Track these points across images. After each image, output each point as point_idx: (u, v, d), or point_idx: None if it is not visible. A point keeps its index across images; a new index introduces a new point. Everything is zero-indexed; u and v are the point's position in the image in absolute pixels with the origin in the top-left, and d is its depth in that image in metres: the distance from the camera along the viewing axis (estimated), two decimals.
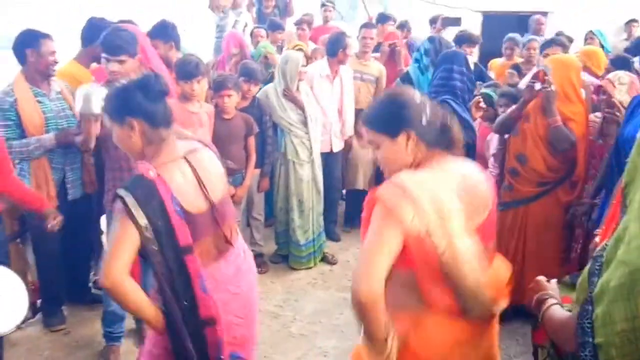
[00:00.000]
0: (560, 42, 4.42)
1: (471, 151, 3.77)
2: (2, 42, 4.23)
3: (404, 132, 1.66)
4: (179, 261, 1.88)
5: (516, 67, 5.08)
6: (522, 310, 3.40)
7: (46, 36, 3.28)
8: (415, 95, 1.73)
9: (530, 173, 3.37)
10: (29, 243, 3.39)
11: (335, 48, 4.61)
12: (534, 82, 3.34)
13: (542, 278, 1.80)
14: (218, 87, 3.87)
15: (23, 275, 2.94)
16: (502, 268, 1.74)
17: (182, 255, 1.88)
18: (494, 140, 3.83)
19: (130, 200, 1.82)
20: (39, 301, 3.47)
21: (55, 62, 3.30)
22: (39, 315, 3.52)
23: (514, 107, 3.46)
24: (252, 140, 4.05)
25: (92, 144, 3.05)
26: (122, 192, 1.85)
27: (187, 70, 3.54)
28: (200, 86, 3.56)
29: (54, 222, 3.00)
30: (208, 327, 1.95)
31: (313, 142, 4.35)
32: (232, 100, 3.86)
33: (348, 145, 4.92)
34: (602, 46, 5.41)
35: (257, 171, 4.22)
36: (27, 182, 3.19)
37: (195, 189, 1.98)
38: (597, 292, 1.37)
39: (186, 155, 2.01)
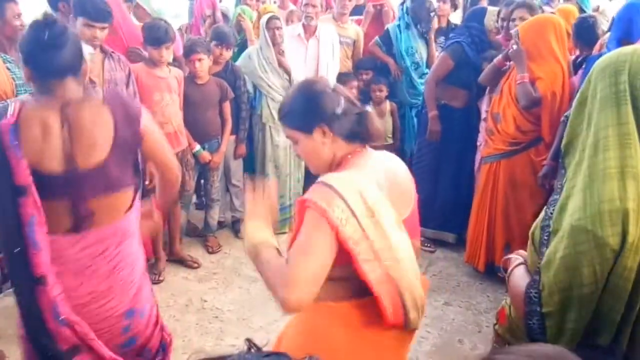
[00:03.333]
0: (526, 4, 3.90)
1: (479, 91, 3.91)
2: None
3: (318, 127, 1.57)
4: (12, 201, 1.76)
5: None
6: (493, 269, 3.51)
7: (10, 0, 3.16)
8: (328, 85, 1.63)
9: (502, 132, 3.36)
10: None
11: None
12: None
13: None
14: (188, 53, 3.77)
15: None
16: (424, 282, 1.64)
17: (16, 196, 1.76)
18: (484, 104, 3.80)
19: None
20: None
21: (22, 26, 3.18)
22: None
23: (494, 61, 3.54)
24: (227, 106, 3.99)
25: None
26: None
27: (156, 36, 3.45)
28: (169, 52, 3.47)
29: None
30: (40, 286, 1.81)
31: None
32: (203, 65, 3.76)
33: None
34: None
35: (234, 137, 4.15)
36: None
37: (57, 145, 1.82)
38: (545, 263, 1.38)
39: (63, 107, 1.84)
